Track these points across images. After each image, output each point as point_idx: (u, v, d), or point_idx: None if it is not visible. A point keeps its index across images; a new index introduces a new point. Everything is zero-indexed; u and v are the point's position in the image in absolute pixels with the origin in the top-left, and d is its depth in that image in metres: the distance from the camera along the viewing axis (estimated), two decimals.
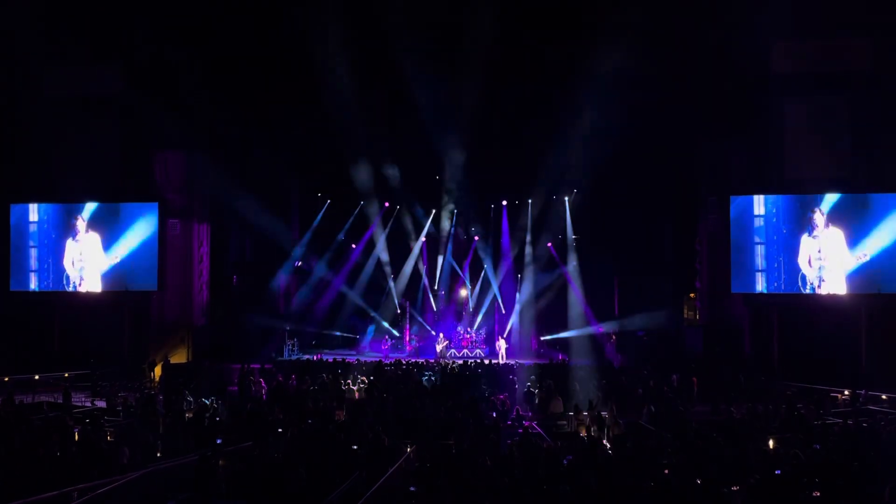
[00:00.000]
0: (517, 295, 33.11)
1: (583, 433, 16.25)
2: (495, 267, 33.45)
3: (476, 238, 33.66)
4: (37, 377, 23.11)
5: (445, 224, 33.46)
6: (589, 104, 28.85)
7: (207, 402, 19.90)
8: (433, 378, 23.97)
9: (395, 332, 33.17)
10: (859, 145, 25.65)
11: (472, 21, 23.97)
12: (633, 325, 29.59)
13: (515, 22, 24.53)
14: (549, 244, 32.85)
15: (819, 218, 25.56)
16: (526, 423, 17.30)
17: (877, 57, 25.25)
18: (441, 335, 31.95)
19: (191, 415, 17.95)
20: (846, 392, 20.88)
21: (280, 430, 15.57)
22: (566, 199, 32.17)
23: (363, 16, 23.95)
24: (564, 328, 31.23)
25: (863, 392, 20.57)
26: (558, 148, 29.40)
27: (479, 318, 33.29)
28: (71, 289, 28.51)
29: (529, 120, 29.74)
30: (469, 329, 32.57)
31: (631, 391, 21.39)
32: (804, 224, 25.71)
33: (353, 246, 33.77)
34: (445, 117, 29.55)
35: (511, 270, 33.28)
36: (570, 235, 32.32)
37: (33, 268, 28.63)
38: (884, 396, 20.31)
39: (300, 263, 33.78)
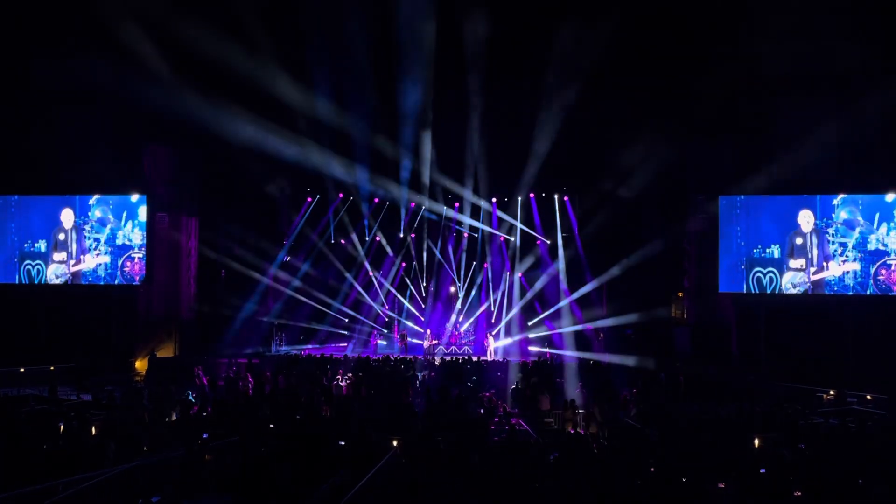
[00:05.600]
0: (506, 292, 33.12)
1: (570, 430, 16.27)
2: (485, 263, 33.48)
3: (466, 234, 33.66)
4: (22, 370, 22.95)
5: (437, 220, 33.46)
6: (578, 102, 28.97)
7: (194, 397, 19.84)
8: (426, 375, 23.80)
9: (384, 329, 33.16)
10: (848, 147, 25.74)
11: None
12: (621, 322, 29.66)
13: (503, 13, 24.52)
14: (539, 241, 32.89)
15: (807, 219, 25.68)
16: (513, 420, 17.32)
17: (867, 59, 25.34)
18: (429, 332, 31.93)
19: (177, 409, 17.90)
20: (832, 392, 20.99)
21: (268, 425, 15.53)
22: (555, 196, 32.23)
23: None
24: (553, 326, 31.30)
25: (845, 392, 20.70)
26: (548, 145, 29.51)
27: (468, 315, 33.28)
28: (57, 281, 28.34)
29: (521, 117, 29.80)
30: (458, 326, 32.55)
31: (618, 389, 21.46)
32: (792, 225, 25.83)
33: (343, 241, 33.74)
34: (439, 113, 29.68)
35: (500, 267, 33.29)
36: (559, 233, 32.39)
37: (19, 260, 28.43)
38: (869, 397, 20.44)
39: (288, 259, 33.70)
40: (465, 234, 33.69)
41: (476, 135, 29.84)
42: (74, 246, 28.30)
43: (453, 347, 31.42)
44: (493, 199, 32.86)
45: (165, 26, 24.34)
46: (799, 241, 25.74)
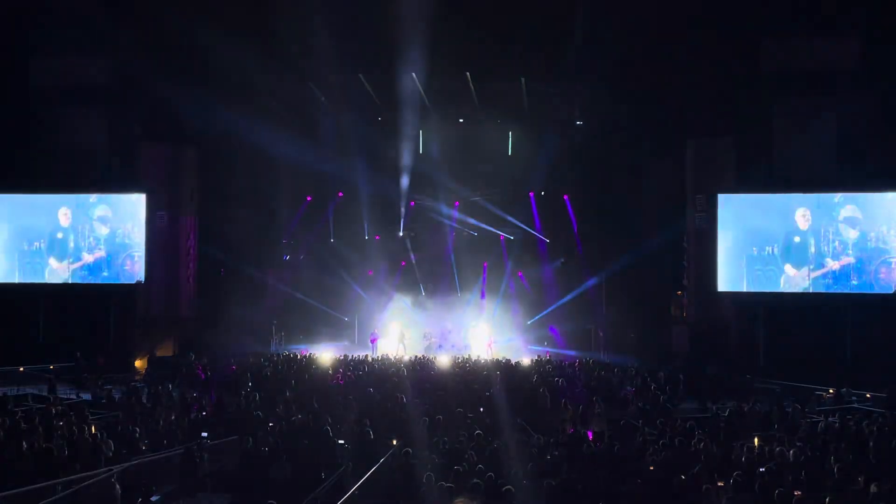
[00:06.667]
0: (505, 290, 33.10)
1: (570, 429, 16.27)
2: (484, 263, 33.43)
3: (466, 233, 33.54)
4: (21, 369, 22.93)
5: (435, 218, 33.43)
6: (577, 100, 29.02)
7: (194, 396, 19.85)
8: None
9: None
10: (846, 145, 25.76)
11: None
12: (621, 321, 29.67)
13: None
14: (539, 238, 32.84)
15: (805, 217, 25.67)
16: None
17: (864, 57, 25.36)
18: (428, 331, 31.90)
19: (176, 408, 17.89)
20: (831, 390, 20.98)
21: (269, 424, 15.54)
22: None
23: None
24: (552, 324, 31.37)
25: (844, 390, 20.71)
26: (547, 144, 29.58)
27: (467, 314, 33.19)
28: (56, 280, 28.28)
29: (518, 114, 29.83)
30: (457, 325, 32.51)
31: (618, 388, 21.47)
32: (791, 223, 25.82)
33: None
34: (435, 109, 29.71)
35: (500, 266, 33.25)
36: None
37: (18, 258, 28.36)
38: (868, 395, 20.44)
39: (287, 257, 33.72)
40: (465, 233, 33.61)
41: (477, 131, 29.97)
42: (76, 245, 28.26)
43: (452, 346, 31.37)
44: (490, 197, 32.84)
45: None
46: (797, 239, 25.73)
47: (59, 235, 28.27)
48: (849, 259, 25.32)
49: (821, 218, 25.59)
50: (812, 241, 25.60)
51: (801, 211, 25.75)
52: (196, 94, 25.63)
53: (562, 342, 31.13)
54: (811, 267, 25.63)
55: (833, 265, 25.43)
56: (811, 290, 25.66)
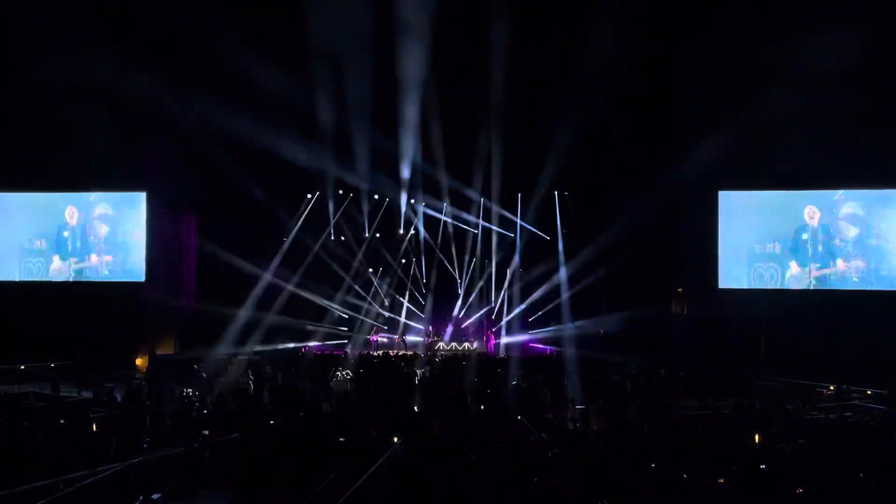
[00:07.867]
0: (506, 288, 33.13)
1: (570, 427, 16.28)
2: (486, 260, 33.45)
3: (470, 230, 33.57)
4: (23, 367, 22.97)
5: (437, 215, 33.45)
6: (578, 96, 28.95)
7: (196, 394, 19.88)
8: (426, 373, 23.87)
9: (384, 327, 33.14)
10: (849, 141, 25.71)
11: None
12: (621, 318, 29.66)
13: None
14: (539, 237, 32.85)
15: (807, 214, 25.66)
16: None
17: (867, 53, 25.30)
18: (429, 328, 31.89)
19: (177, 406, 17.92)
20: (831, 387, 21.01)
21: (268, 422, 15.55)
22: (555, 193, 32.19)
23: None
24: (554, 322, 31.34)
25: (845, 387, 20.74)
26: (547, 141, 29.54)
27: (469, 312, 33.24)
28: (59, 278, 28.31)
29: (520, 112, 29.76)
30: (458, 323, 32.52)
31: (618, 385, 21.48)
32: (792, 220, 25.81)
33: (342, 238, 33.67)
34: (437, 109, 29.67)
35: (501, 263, 33.28)
36: (560, 229, 32.40)
37: (18, 257, 28.39)
38: (868, 392, 20.47)
39: (287, 256, 33.71)
40: (466, 231, 33.63)
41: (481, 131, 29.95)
42: (78, 243, 28.30)
43: (454, 344, 31.40)
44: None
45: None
46: (805, 236, 25.71)
47: (66, 234, 28.31)
48: (854, 257, 25.30)
49: (825, 216, 25.58)
50: (818, 239, 25.59)
51: (809, 209, 25.73)
52: (196, 93, 25.64)
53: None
54: (817, 266, 25.62)
55: (836, 263, 25.42)
56: (814, 287, 25.66)
